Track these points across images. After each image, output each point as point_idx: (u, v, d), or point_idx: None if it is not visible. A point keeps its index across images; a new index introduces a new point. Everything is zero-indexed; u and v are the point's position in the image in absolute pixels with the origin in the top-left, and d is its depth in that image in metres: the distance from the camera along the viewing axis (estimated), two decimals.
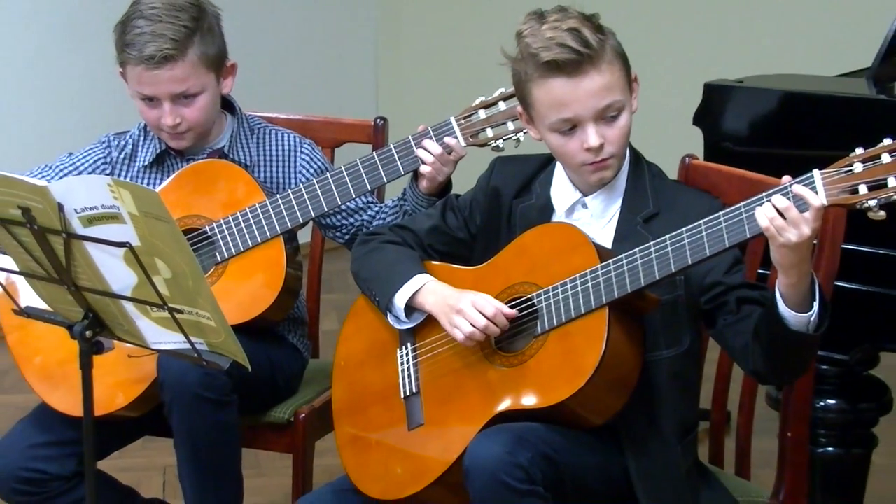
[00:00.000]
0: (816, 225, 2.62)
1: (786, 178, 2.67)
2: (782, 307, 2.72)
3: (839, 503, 3.58)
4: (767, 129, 3.52)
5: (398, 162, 3.37)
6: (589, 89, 2.89)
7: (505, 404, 2.89)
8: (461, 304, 2.94)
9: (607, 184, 2.99)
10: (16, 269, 3.00)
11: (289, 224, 3.40)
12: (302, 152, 3.61)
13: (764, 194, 2.67)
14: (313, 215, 3.42)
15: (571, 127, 2.92)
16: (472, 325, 2.91)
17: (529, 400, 2.87)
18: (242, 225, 3.41)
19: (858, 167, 2.58)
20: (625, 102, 2.93)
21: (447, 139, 3.33)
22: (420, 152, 3.34)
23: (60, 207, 2.76)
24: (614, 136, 2.92)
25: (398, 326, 3.09)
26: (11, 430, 3.48)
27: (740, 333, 2.84)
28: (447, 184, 3.40)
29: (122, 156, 3.62)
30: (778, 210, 2.62)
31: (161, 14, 3.41)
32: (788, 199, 2.62)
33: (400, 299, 3.05)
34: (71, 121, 5.73)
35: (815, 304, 2.72)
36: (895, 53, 3.66)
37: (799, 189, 2.61)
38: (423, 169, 3.34)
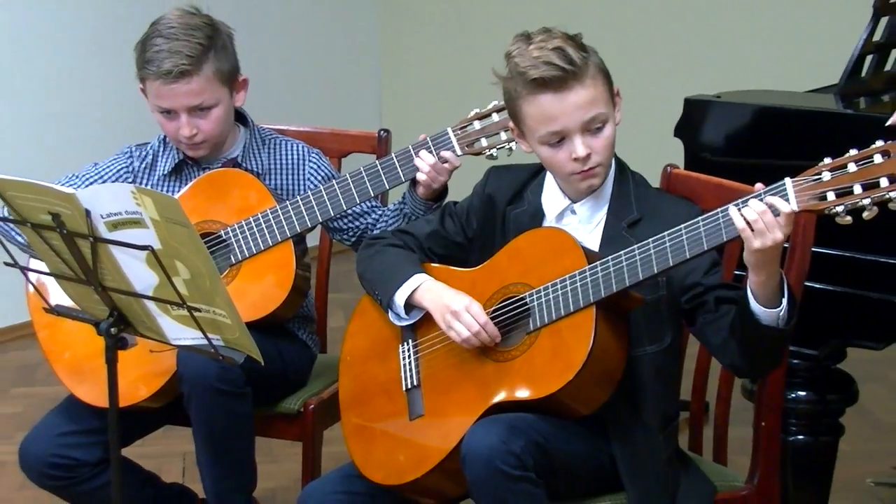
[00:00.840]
0: (788, 230, 2.64)
1: (759, 186, 2.68)
2: (754, 304, 2.73)
3: (808, 487, 3.58)
4: (743, 140, 3.53)
5: (399, 170, 3.37)
6: (575, 103, 2.89)
7: (499, 396, 2.89)
8: (456, 306, 2.94)
9: (595, 191, 3.00)
10: (46, 270, 3.00)
11: (298, 228, 3.40)
12: (310, 161, 3.61)
13: (739, 200, 2.68)
14: (321, 220, 3.42)
15: (560, 139, 2.92)
16: (467, 329, 2.92)
17: (522, 392, 2.87)
18: (255, 229, 3.41)
19: (827, 176, 2.60)
20: (608, 115, 2.93)
21: (443, 153, 3.33)
22: (417, 162, 3.34)
23: (87, 213, 2.76)
24: (600, 146, 2.93)
25: (398, 323, 3.09)
26: (42, 419, 3.49)
27: (718, 330, 2.85)
28: (443, 189, 3.41)
29: (143, 165, 3.62)
30: (755, 215, 2.63)
31: (178, 33, 3.42)
32: (763, 205, 2.63)
33: (400, 297, 3.05)
34: (96, 133, 5.73)
35: (784, 301, 2.73)
36: (860, 72, 3.67)
37: (772, 198, 2.63)
38: (420, 177, 3.35)
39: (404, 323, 3.08)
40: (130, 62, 3.50)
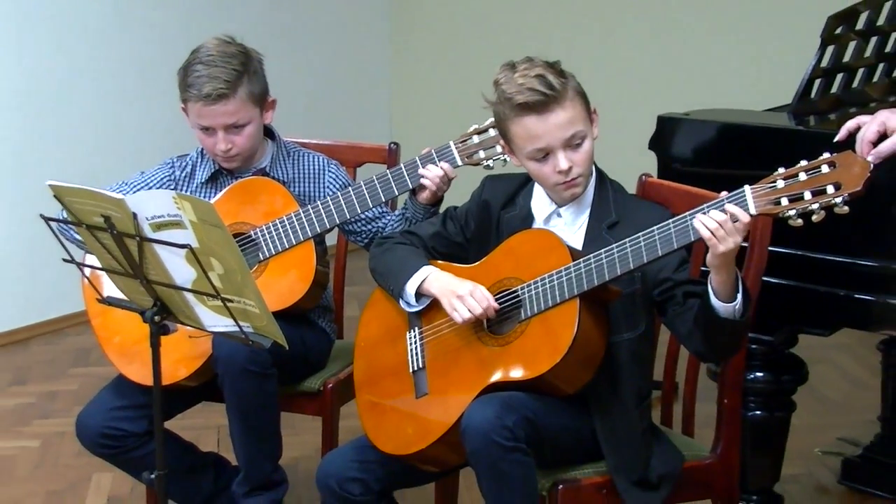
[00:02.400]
0: (745, 233, 2.65)
1: (723, 194, 2.69)
2: (714, 300, 2.73)
3: (765, 456, 3.58)
4: (709, 153, 3.52)
5: (407, 178, 3.36)
6: (556, 123, 2.89)
7: (495, 377, 2.89)
8: (462, 291, 2.94)
9: (578, 198, 2.99)
10: (99, 266, 3.00)
11: (318, 229, 3.40)
12: (329, 171, 3.60)
13: (705, 206, 2.68)
14: (338, 222, 3.41)
15: (545, 155, 2.92)
16: (469, 310, 2.91)
17: (515, 373, 2.87)
18: (280, 230, 3.40)
19: (781, 184, 2.60)
20: (587, 131, 2.92)
21: (443, 164, 3.33)
22: (425, 173, 3.33)
23: (135, 216, 2.76)
24: (580, 160, 2.92)
25: (408, 310, 3.08)
26: (96, 396, 3.49)
27: (685, 322, 2.85)
28: (441, 197, 3.41)
29: (183, 174, 3.62)
30: (717, 224, 2.63)
31: (216, 60, 3.41)
32: (724, 213, 2.63)
33: (410, 286, 3.04)
34: (142, 146, 5.73)
35: (739, 296, 2.73)
36: (810, 93, 3.67)
37: (732, 207, 2.63)
38: (428, 185, 3.34)
39: (414, 309, 3.07)
40: (172, 85, 3.50)
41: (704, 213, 2.66)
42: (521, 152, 2.96)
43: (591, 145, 2.94)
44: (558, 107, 2.88)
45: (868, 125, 2.87)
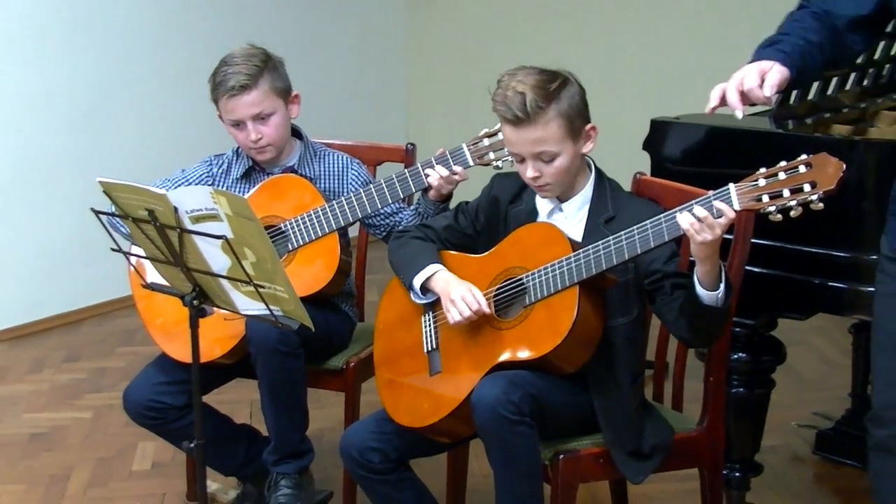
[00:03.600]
0: (725, 227, 2.63)
1: (709, 193, 2.67)
2: (699, 288, 2.72)
3: (746, 429, 3.56)
4: (697, 153, 3.50)
5: (423, 176, 3.35)
6: (526, 139, 2.87)
7: (502, 357, 2.87)
8: (454, 295, 2.93)
9: (560, 197, 2.98)
10: (144, 254, 3.00)
11: (342, 223, 3.38)
12: (352, 169, 3.59)
13: (693, 202, 2.66)
14: (360, 216, 3.40)
15: (520, 160, 2.92)
16: (459, 313, 2.90)
17: (520, 354, 2.85)
18: (308, 223, 3.39)
19: (762, 182, 2.58)
20: (559, 151, 2.87)
21: (455, 167, 3.31)
22: (430, 171, 3.32)
23: (175, 210, 2.76)
24: (549, 172, 2.90)
25: (417, 301, 3.08)
26: (140, 372, 3.50)
27: (672, 310, 2.83)
28: (450, 195, 3.40)
29: (220, 171, 3.61)
30: (697, 218, 2.62)
31: (238, 60, 3.45)
32: (707, 208, 2.62)
33: (417, 282, 3.04)
34: (183, 146, 5.72)
35: (722, 285, 2.71)
36: (788, 100, 3.65)
37: (717, 203, 2.61)
38: (433, 182, 3.32)
39: (421, 302, 3.07)
40: (208, 89, 3.51)
41: (691, 210, 2.64)
42: (506, 148, 2.98)
43: (565, 161, 2.89)
44: (530, 126, 2.85)
45: (739, 77, 2.74)
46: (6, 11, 5.34)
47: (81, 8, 5.61)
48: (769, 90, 2.69)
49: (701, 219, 2.61)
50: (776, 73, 2.70)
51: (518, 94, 2.83)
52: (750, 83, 2.68)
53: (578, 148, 2.91)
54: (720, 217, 2.61)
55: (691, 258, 2.81)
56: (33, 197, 5.54)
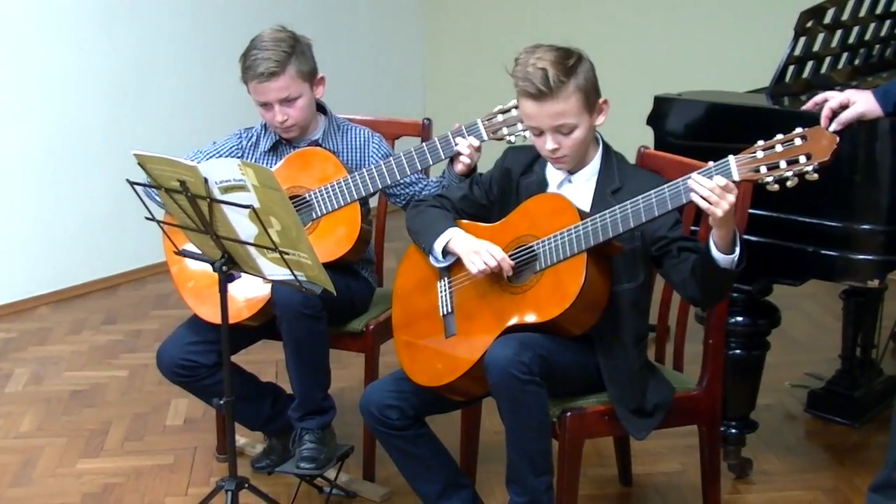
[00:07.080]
0: (734, 197, 2.61)
1: (710, 164, 2.65)
2: (715, 252, 2.70)
3: (743, 388, 3.57)
4: (698, 128, 3.49)
5: (440, 150, 3.32)
6: (548, 112, 2.84)
7: (513, 320, 2.86)
8: (478, 248, 2.91)
9: (571, 170, 2.96)
10: (176, 223, 2.99)
11: (363, 193, 3.36)
12: (373, 143, 3.56)
13: (694, 173, 2.66)
14: (380, 187, 3.37)
15: (539, 133, 2.89)
16: (484, 262, 2.88)
17: (531, 317, 2.84)
18: (331, 193, 3.37)
19: (760, 154, 2.58)
20: (577, 123, 2.86)
21: (470, 138, 3.28)
22: (461, 147, 3.27)
23: (206, 181, 2.75)
24: (567, 144, 2.88)
25: (436, 265, 3.06)
26: (173, 333, 3.49)
27: (680, 272, 2.81)
28: (474, 168, 3.37)
29: (248, 144, 3.59)
30: (709, 191, 2.61)
31: (268, 44, 3.40)
32: (713, 183, 2.60)
33: (438, 245, 3.02)
34: (215, 119, 5.71)
35: (738, 248, 2.69)
36: (784, 78, 3.63)
37: (718, 177, 2.60)
38: (464, 160, 3.29)
39: (441, 265, 3.05)
40: (238, 66, 3.47)
41: (696, 181, 2.62)
42: (525, 123, 2.94)
43: (582, 133, 2.88)
44: (551, 100, 2.83)
45: (835, 98, 2.98)
46: None
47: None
48: (835, 125, 3.00)
49: (711, 191, 2.60)
50: (851, 112, 3.02)
51: (539, 70, 2.81)
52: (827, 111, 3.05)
53: (593, 120, 2.90)
54: (729, 192, 2.60)
55: (693, 227, 2.80)
56: (75, 170, 5.55)
